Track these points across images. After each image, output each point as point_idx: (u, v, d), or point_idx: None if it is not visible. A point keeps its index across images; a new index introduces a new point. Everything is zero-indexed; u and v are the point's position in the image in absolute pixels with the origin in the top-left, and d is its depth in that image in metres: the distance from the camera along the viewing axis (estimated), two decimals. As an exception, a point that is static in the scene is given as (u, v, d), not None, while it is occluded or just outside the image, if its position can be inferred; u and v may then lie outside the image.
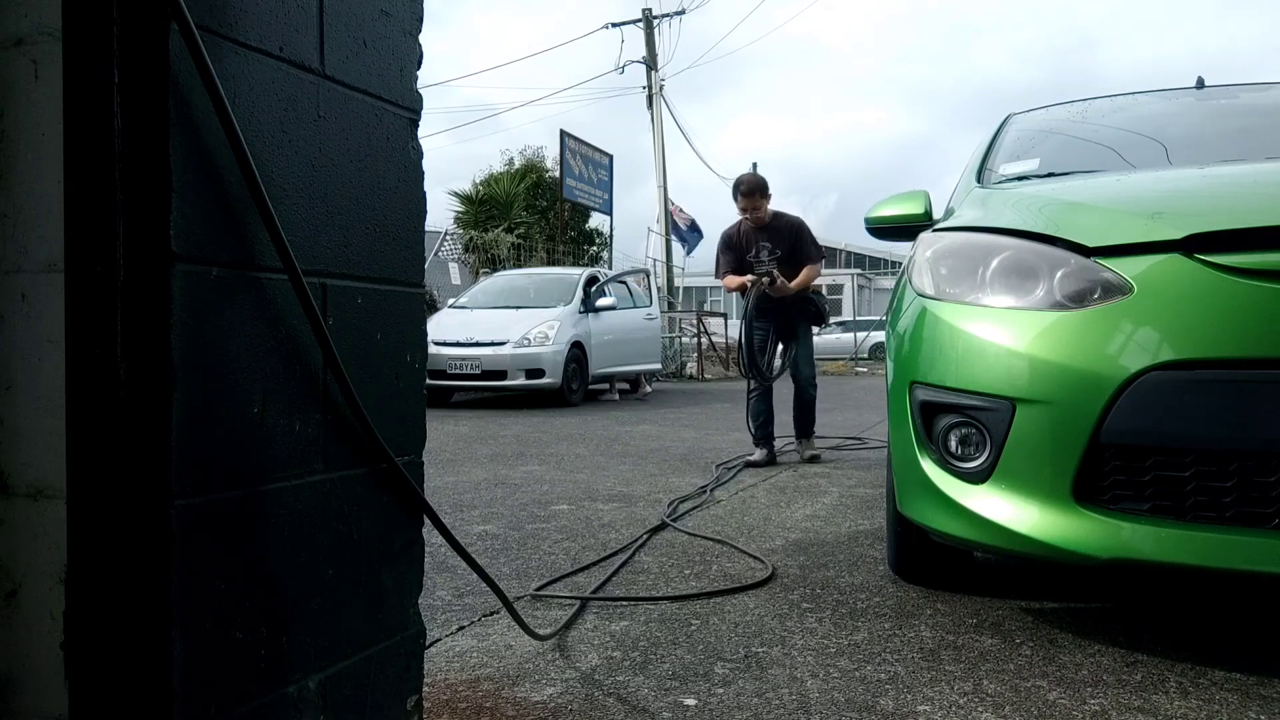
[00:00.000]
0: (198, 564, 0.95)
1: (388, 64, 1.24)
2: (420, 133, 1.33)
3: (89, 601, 0.92)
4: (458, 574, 2.62)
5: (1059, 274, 1.91)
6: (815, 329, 5.61)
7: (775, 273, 5.02)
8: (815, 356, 5.50)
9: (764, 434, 5.17)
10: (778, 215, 5.28)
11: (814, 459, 5.19)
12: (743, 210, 5.14)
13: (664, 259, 18.37)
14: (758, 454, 5.11)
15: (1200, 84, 3.43)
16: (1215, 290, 1.73)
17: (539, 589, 2.43)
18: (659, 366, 13.08)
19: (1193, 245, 1.78)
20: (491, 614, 2.24)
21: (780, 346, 5.42)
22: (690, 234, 19.43)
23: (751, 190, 5.15)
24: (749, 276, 5.10)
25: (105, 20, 0.88)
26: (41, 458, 0.96)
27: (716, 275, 5.42)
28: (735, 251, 5.24)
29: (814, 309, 5.37)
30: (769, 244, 5.16)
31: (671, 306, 14.42)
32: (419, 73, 1.31)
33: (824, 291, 5.38)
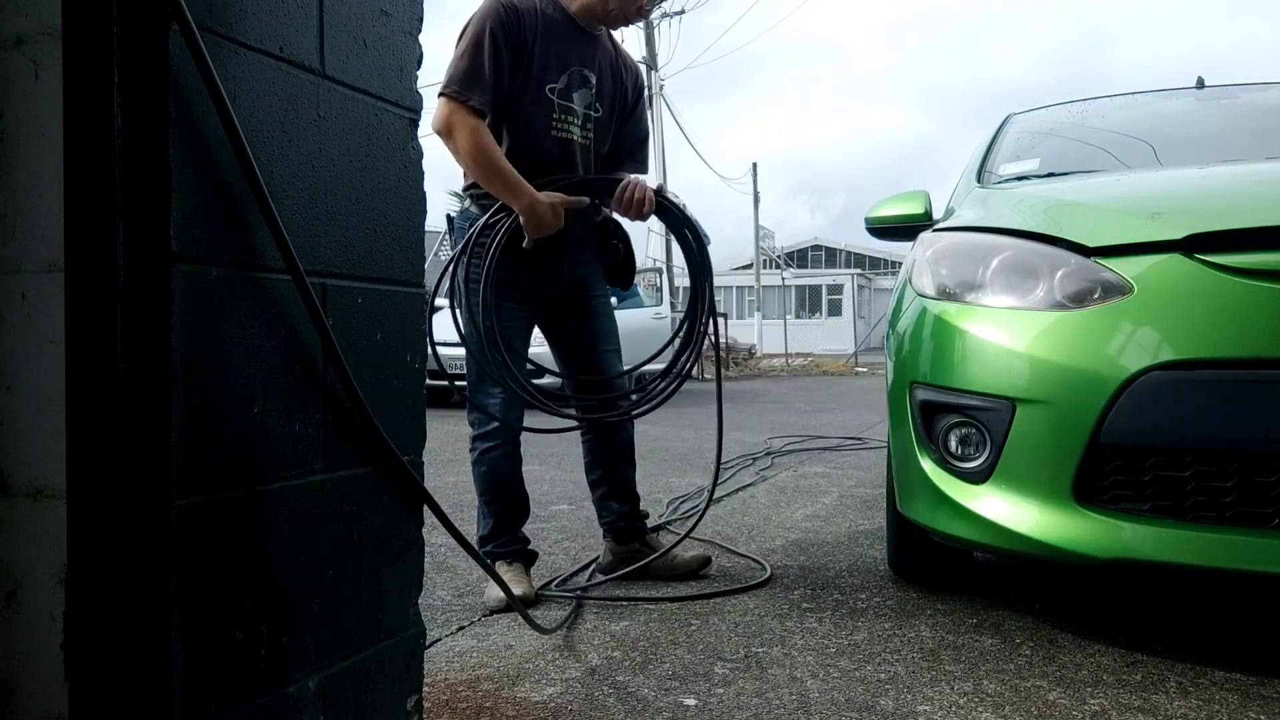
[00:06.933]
0: (198, 564, 0.95)
1: (388, 64, 1.24)
2: (422, 132, 1.33)
3: (89, 601, 0.92)
4: (458, 574, 2.62)
5: (1059, 274, 1.91)
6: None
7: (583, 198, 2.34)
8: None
9: (515, 534, 2.42)
10: (614, 44, 2.53)
11: (700, 567, 2.54)
12: None
13: (664, 259, 18.37)
14: (510, 577, 2.31)
15: (1200, 84, 3.43)
16: (1215, 290, 1.73)
17: (540, 588, 2.43)
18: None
19: (1193, 245, 1.78)
20: (491, 614, 2.24)
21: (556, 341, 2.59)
22: None
23: None
24: (563, 193, 2.28)
25: (105, 20, 0.88)
26: (41, 458, 0.96)
27: (452, 97, 2.19)
28: (496, 58, 2.21)
29: (623, 250, 2.52)
30: (591, 77, 2.40)
31: (671, 307, 14.45)
32: (419, 73, 1.31)
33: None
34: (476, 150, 2.21)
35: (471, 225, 2.34)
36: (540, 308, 2.45)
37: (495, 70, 2.22)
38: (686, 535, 2.73)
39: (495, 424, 2.38)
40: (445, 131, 2.22)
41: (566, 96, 2.35)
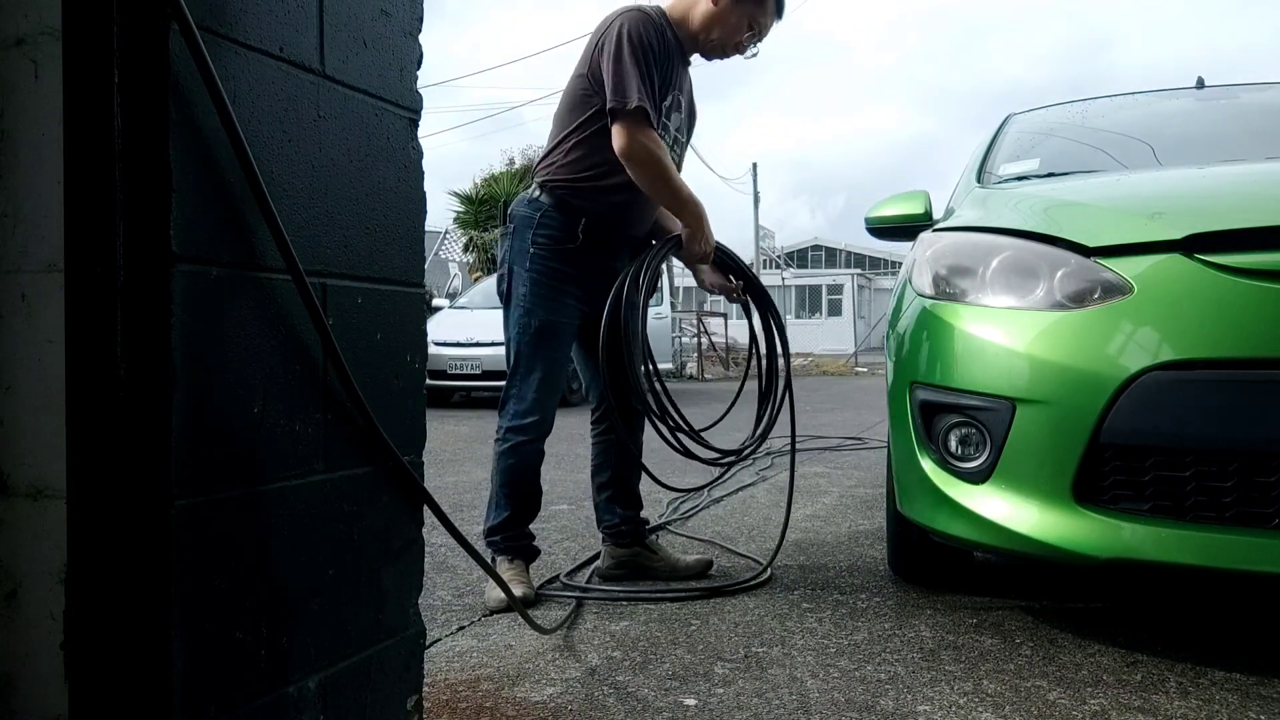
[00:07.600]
0: (198, 564, 0.95)
1: (388, 64, 1.24)
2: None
3: (89, 601, 0.92)
4: (458, 574, 2.62)
5: (1059, 274, 1.91)
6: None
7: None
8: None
9: (524, 529, 2.46)
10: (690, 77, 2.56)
11: (702, 571, 2.56)
12: (750, 28, 2.41)
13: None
14: (511, 575, 2.34)
15: (1200, 84, 3.43)
16: (1215, 290, 1.73)
17: (540, 588, 2.43)
18: (669, 366, 13.08)
19: (1193, 245, 1.78)
20: (491, 614, 2.24)
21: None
22: None
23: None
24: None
25: (105, 20, 0.88)
26: (41, 458, 0.96)
27: (624, 101, 2.20)
28: (651, 80, 2.26)
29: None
30: (683, 102, 2.48)
31: (672, 307, 14.45)
32: (419, 73, 1.31)
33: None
34: (658, 165, 2.25)
35: (541, 215, 2.35)
36: (590, 310, 2.45)
37: (653, 80, 2.27)
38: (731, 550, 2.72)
39: (534, 418, 2.37)
40: (638, 154, 2.22)
41: (667, 115, 2.39)
